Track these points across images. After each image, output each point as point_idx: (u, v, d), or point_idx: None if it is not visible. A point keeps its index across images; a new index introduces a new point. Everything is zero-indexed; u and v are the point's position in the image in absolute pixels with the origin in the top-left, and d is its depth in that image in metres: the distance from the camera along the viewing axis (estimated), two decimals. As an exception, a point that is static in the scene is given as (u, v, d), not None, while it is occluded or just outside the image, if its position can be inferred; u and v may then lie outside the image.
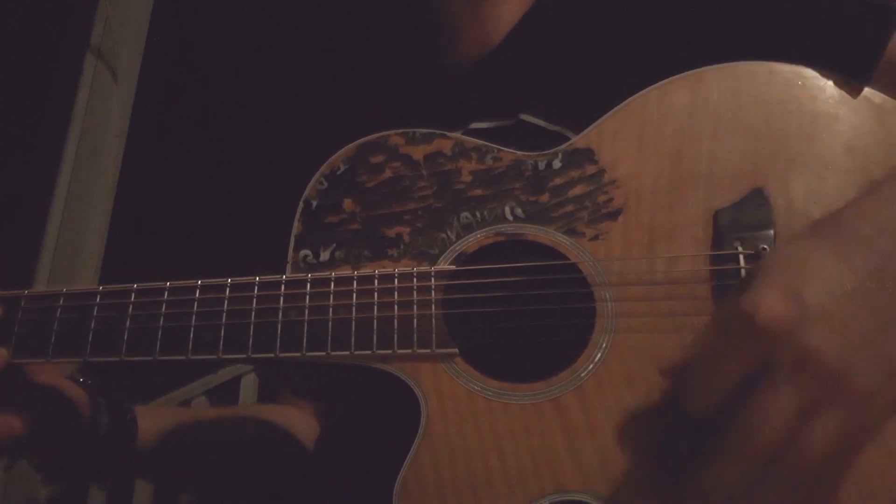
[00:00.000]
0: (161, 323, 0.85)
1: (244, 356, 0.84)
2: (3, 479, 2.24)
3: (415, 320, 0.84)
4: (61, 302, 0.87)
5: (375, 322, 0.84)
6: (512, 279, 0.86)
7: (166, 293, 0.87)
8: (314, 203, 0.92)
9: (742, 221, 0.84)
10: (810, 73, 0.90)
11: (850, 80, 0.89)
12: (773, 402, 0.65)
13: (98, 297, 0.87)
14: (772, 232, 0.83)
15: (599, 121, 0.92)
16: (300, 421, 1.16)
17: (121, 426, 1.00)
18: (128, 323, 0.86)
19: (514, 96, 1.05)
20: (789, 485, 0.66)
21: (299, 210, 0.91)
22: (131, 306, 0.86)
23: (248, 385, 2.32)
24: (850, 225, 0.70)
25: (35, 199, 2.54)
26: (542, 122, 1.01)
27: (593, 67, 1.04)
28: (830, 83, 0.89)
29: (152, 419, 1.06)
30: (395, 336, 0.84)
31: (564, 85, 1.05)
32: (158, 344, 0.85)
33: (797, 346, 0.64)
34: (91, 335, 0.85)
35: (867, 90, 0.89)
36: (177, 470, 1.11)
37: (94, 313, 0.86)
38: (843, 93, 0.89)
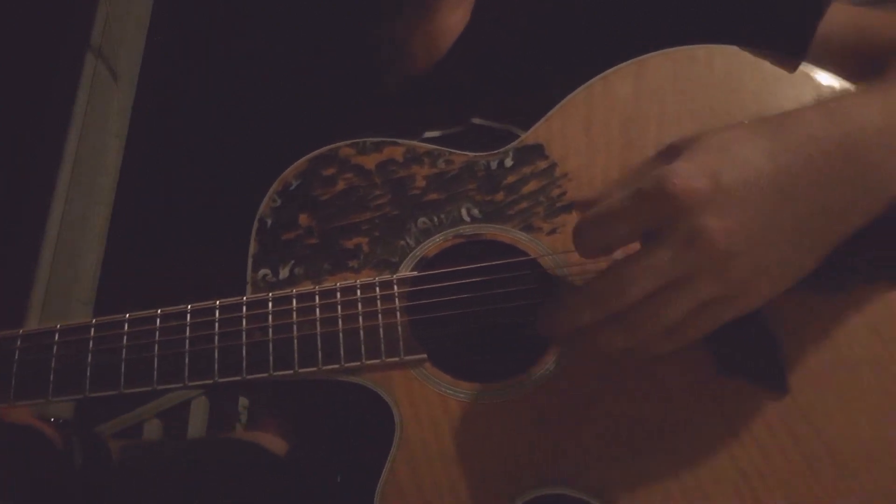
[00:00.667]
0: (123, 356, 0.84)
1: (211, 381, 0.83)
2: None
3: (381, 330, 0.84)
4: (19, 344, 0.85)
5: (341, 335, 0.84)
6: (474, 280, 0.86)
7: (126, 325, 0.85)
8: (269, 221, 0.91)
9: None
10: (748, 53, 0.92)
11: (787, 56, 0.91)
12: (651, 261, 0.68)
13: (56, 335, 0.85)
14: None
15: (547, 115, 0.93)
16: (278, 443, 1.15)
17: (95, 459, 0.98)
18: (89, 359, 0.84)
19: (465, 102, 1.06)
20: (631, 338, 0.70)
21: (254, 229, 0.90)
22: (91, 341, 0.85)
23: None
24: (787, 127, 0.72)
25: (35, 199, 2.50)
26: (492, 123, 1.02)
27: (537, 65, 1.05)
28: (768, 61, 0.91)
29: (120, 450, 1.04)
30: (363, 347, 0.83)
31: (511, 84, 1.06)
32: (122, 377, 0.83)
33: (696, 221, 0.67)
34: (52, 374, 0.83)
35: (804, 65, 0.91)
36: (146, 498, 1.09)
37: (55, 352, 0.84)
38: (781, 69, 0.91)
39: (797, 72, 0.90)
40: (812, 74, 0.90)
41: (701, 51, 0.93)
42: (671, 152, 0.74)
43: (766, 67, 0.90)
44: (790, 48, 0.92)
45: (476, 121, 1.03)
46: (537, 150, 0.91)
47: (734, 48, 0.92)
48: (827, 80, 0.90)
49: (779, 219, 0.69)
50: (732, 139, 0.72)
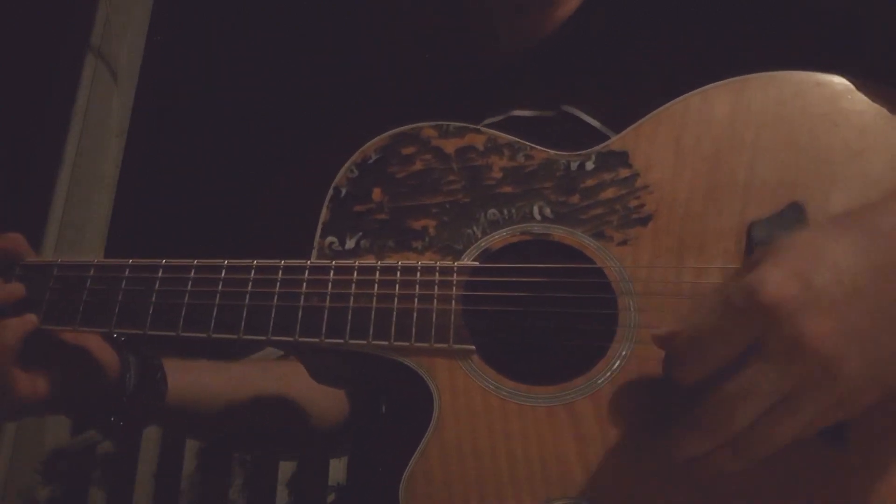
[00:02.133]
0: (186, 300, 0.87)
1: (264, 338, 0.85)
2: (3, 478, 2.31)
3: (434, 314, 0.84)
4: (91, 272, 0.89)
5: (395, 313, 0.84)
6: (535, 279, 0.85)
7: (192, 271, 0.88)
8: (343, 191, 0.92)
9: (777, 235, 0.81)
10: (862, 87, 0.86)
11: None
12: (757, 381, 0.64)
13: (127, 270, 0.89)
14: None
15: (637, 123, 0.90)
16: (321, 398, 1.17)
17: (149, 384, 1.02)
18: (153, 297, 0.87)
19: (558, 87, 1.04)
20: (741, 462, 0.67)
21: (328, 197, 0.91)
22: (158, 281, 0.88)
23: None
24: (875, 220, 0.68)
25: (35, 198, 2.59)
26: (585, 117, 1.00)
27: (641, 67, 1.02)
28: (880, 98, 0.86)
29: (181, 374, 1.07)
30: (414, 329, 0.84)
31: (609, 81, 1.03)
32: (181, 320, 0.86)
33: (795, 329, 0.63)
34: (118, 307, 0.87)
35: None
36: (197, 422, 1.13)
37: (123, 286, 0.88)
38: (889, 109, 0.85)
39: None
40: (928, 120, 0.85)
41: (809, 78, 0.88)
42: (754, 262, 0.69)
43: (877, 106, 0.85)
44: (890, 75, 0.86)
45: (566, 108, 1.01)
46: (621, 158, 0.89)
47: (843, 80, 0.87)
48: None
49: (878, 315, 0.65)
50: (820, 238, 0.69)
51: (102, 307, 0.88)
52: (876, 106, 0.85)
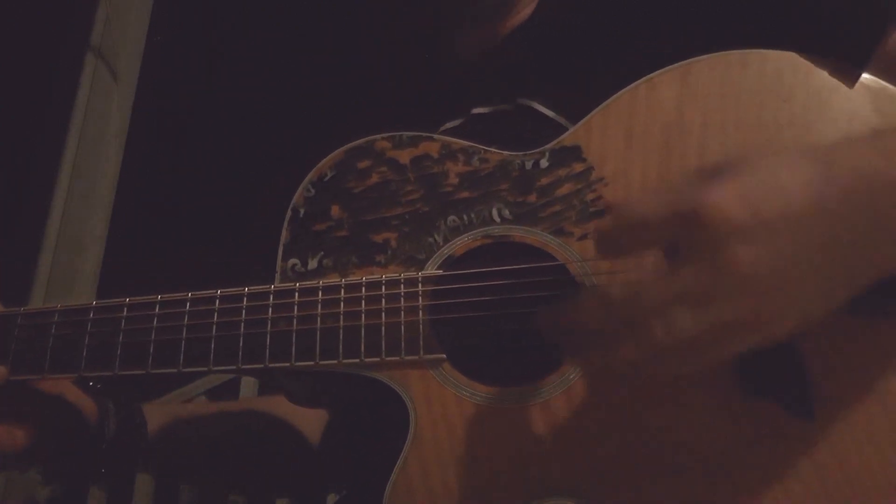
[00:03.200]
0: (153, 336, 0.86)
1: (234, 367, 0.85)
2: (3, 478, 2.29)
3: (402, 327, 0.84)
4: (56, 318, 0.89)
5: (363, 330, 0.84)
6: (499, 282, 0.85)
7: (157, 307, 0.87)
8: (302, 211, 0.92)
9: None
10: (803, 61, 0.87)
11: (846, 66, 0.86)
12: (670, 276, 0.65)
13: (91, 312, 0.88)
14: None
15: (587, 117, 0.91)
16: (304, 414, 1.17)
17: (130, 429, 1.02)
18: (121, 338, 0.87)
19: (513, 81, 1.05)
20: (642, 351, 0.66)
21: (287, 218, 0.91)
22: (124, 321, 0.87)
23: (249, 385, 2.35)
24: (836, 160, 0.68)
25: (35, 199, 2.57)
26: (541, 108, 1.01)
27: (593, 56, 1.03)
28: (825, 70, 0.86)
29: (161, 417, 1.07)
30: (383, 343, 0.84)
31: (564, 73, 1.04)
32: (150, 358, 0.86)
33: (725, 247, 0.64)
34: (85, 350, 0.87)
35: (865, 78, 0.86)
36: (181, 465, 1.12)
37: (88, 329, 0.88)
38: (838, 80, 0.86)
39: (857, 85, 0.85)
40: (872, 89, 0.85)
41: (753, 55, 0.88)
42: (712, 173, 0.70)
43: (822, 77, 0.86)
44: (851, 56, 0.87)
45: (523, 101, 1.02)
46: (574, 152, 0.89)
47: (789, 55, 0.87)
48: (889, 96, 0.84)
49: (811, 254, 0.66)
50: (776, 166, 0.68)
51: (70, 352, 0.87)
52: (821, 78, 0.86)
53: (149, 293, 0.88)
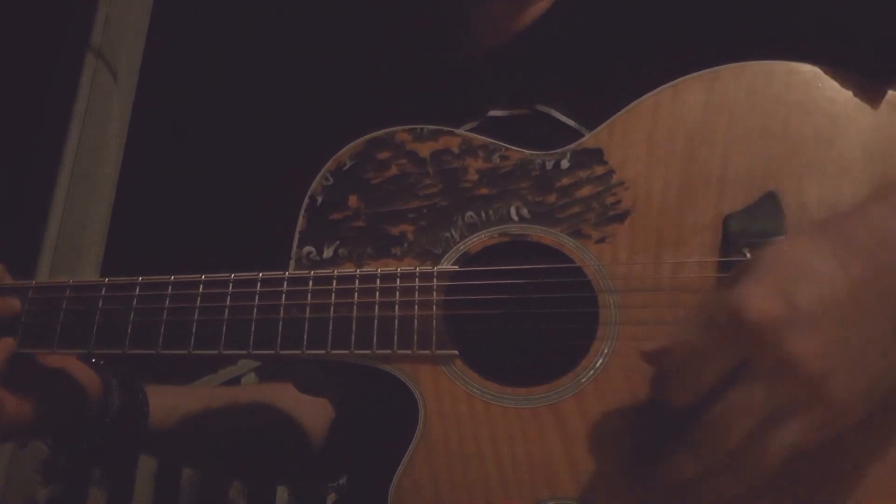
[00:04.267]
0: (164, 317, 0.86)
1: (245, 352, 0.85)
2: (3, 478, 2.29)
3: (415, 321, 0.84)
4: (67, 293, 0.88)
5: (376, 321, 0.84)
6: (514, 281, 0.85)
7: (170, 287, 0.87)
8: (319, 199, 0.91)
9: (752, 227, 0.82)
10: (831, 75, 0.87)
11: (872, 82, 0.86)
12: (746, 401, 0.65)
13: (103, 289, 0.88)
14: (783, 238, 0.80)
15: (610, 119, 0.90)
16: (308, 403, 1.17)
17: (132, 406, 1.02)
18: (132, 316, 0.86)
19: (532, 86, 1.04)
20: (741, 482, 0.67)
21: (304, 206, 0.91)
22: (136, 300, 0.87)
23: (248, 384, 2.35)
24: (853, 231, 0.68)
25: (35, 199, 2.56)
26: (559, 116, 1.00)
27: (613, 64, 1.02)
28: (850, 86, 0.86)
29: (163, 398, 1.07)
30: (396, 336, 0.83)
31: (583, 80, 1.03)
32: (161, 338, 0.85)
33: (781, 348, 0.63)
34: (95, 327, 0.86)
35: (890, 95, 0.86)
36: (183, 447, 1.12)
37: (100, 306, 0.87)
38: (864, 97, 0.86)
39: (884, 103, 0.85)
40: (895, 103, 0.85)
41: (780, 67, 0.88)
42: (734, 278, 0.69)
43: (848, 93, 0.86)
44: (877, 74, 0.86)
45: (540, 108, 1.01)
46: (596, 155, 0.89)
47: (815, 68, 0.87)
48: (912, 113, 0.84)
49: (862, 328, 0.65)
50: (799, 252, 0.68)
51: (80, 328, 0.87)
52: (846, 93, 0.86)
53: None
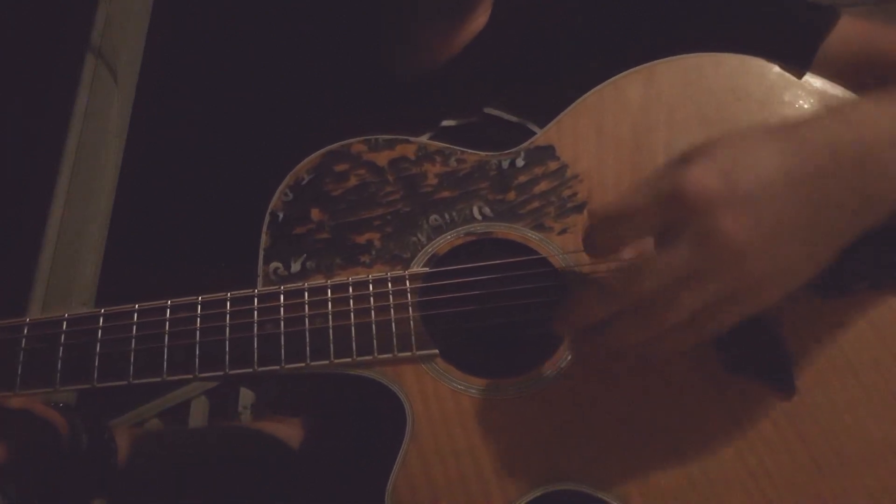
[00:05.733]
0: (133, 346, 0.83)
1: (221, 373, 0.83)
2: None
3: (393, 324, 0.84)
4: (25, 332, 0.84)
5: (353, 329, 0.84)
6: (486, 277, 0.87)
7: (136, 315, 0.84)
8: (280, 215, 0.91)
9: None
10: (755, 62, 0.93)
11: (792, 67, 0.93)
12: (664, 258, 0.69)
13: (64, 324, 0.84)
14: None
15: (558, 118, 0.94)
16: (287, 432, 1.14)
17: (100, 444, 0.97)
18: (98, 348, 0.83)
19: (479, 92, 1.07)
20: (645, 330, 0.71)
21: (266, 223, 0.90)
22: (100, 331, 0.84)
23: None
24: (802, 133, 0.73)
25: (35, 199, 2.44)
26: (505, 115, 1.03)
27: (551, 67, 1.07)
28: (774, 69, 0.93)
29: (127, 437, 1.02)
30: (375, 341, 0.83)
31: (526, 79, 1.07)
32: (132, 367, 0.82)
33: (710, 220, 0.68)
34: (60, 364, 0.82)
35: (808, 75, 0.93)
36: (154, 488, 1.07)
37: (62, 341, 0.83)
38: (787, 78, 0.93)
39: (803, 81, 0.92)
40: (817, 85, 0.92)
41: (708, 59, 0.94)
42: (684, 158, 0.74)
43: (773, 76, 0.92)
44: (795, 60, 0.94)
45: (488, 111, 1.04)
46: (548, 152, 0.92)
47: (741, 57, 0.94)
48: (831, 90, 0.92)
49: (791, 219, 0.70)
50: (746, 142, 0.74)
51: (42, 366, 0.83)
52: (772, 77, 0.93)
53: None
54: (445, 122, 1.05)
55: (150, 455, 1.02)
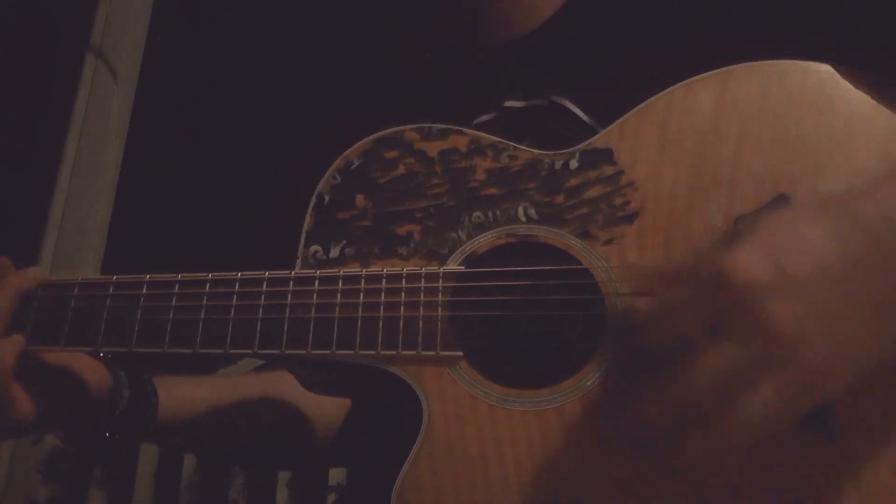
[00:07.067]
0: (171, 315, 0.86)
1: (251, 351, 0.85)
2: (3, 478, 2.31)
3: (420, 322, 0.83)
4: (76, 291, 0.89)
5: (381, 322, 0.84)
6: (521, 283, 0.84)
7: (177, 286, 0.87)
8: (326, 198, 0.91)
9: None
10: (845, 74, 0.85)
11: (888, 82, 0.84)
12: (717, 356, 0.65)
13: (111, 287, 0.88)
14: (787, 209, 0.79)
15: (621, 119, 0.89)
16: (314, 397, 1.17)
17: (142, 397, 1.02)
18: (139, 314, 0.87)
19: (549, 77, 1.03)
20: (712, 440, 0.66)
21: (311, 205, 0.91)
22: (143, 298, 0.87)
23: None
24: (856, 206, 0.67)
25: (35, 198, 2.58)
26: (573, 108, 0.99)
27: (629, 58, 1.01)
28: (865, 85, 0.84)
29: (170, 388, 1.07)
30: (401, 337, 0.83)
31: (599, 73, 1.02)
32: (167, 336, 0.86)
33: (761, 311, 0.63)
34: (103, 325, 0.87)
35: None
36: (189, 436, 1.12)
37: (107, 303, 0.88)
38: (879, 95, 0.84)
39: None
40: (913, 107, 0.83)
41: (794, 67, 0.87)
42: (729, 240, 0.69)
43: (863, 94, 0.84)
44: (892, 72, 0.85)
45: (556, 99, 1.01)
46: (605, 155, 0.88)
47: (830, 69, 0.85)
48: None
49: (850, 303, 0.65)
50: (798, 221, 0.67)
51: (87, 326, 0.88)
52: (860, 93, 0.84)
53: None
54: (510, 103, 1.01)
55: (193, 407, 1.06)
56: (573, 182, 0.88)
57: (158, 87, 2.75)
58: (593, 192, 0.87)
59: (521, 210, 0.88)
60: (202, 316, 0.86)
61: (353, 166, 0.92)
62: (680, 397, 0.66)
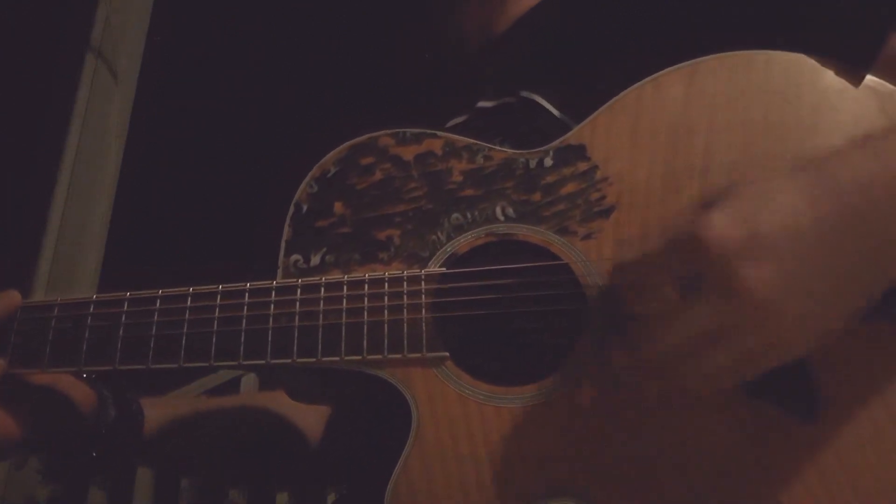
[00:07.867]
0: (153, 331, 0.86)
1: (235, 363, 0.85)
2: (3, 479, 2.28)
3: (405, 325, 0.84)
4: (56, 312, 0.88)
5: (366, 327, 0.84)
6: (502, 281, 0.85)
7: (158, 301, 0.87)
8: (304, 207, 0.91)
9: None
10: (810, 62, 0.87)
11: (852, 68, 0.86)
12: (687, 313, 0.67)
13: (91, 306, 0.88)
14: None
15: (593, 115, 0.90)
16: (304, 410, 1.17)
17: (127, 417, 1.01)
18: (121, 332, 0.86)
19: (518, 74, 1.04)
20: (673, 387, 0.70)
21: (289, 214, 0.91)
22: (124, 315, 0.87)
23: (249, 384, 2.34)
24: (830, 172, 0.68)
25: (35, 199, 2.55)
26: (543, 102, 1.00)
27: (599, 53, 1.03)
28: (830, 72, 0.86)
29: (157, 409, 1.07)
30: (386, 341, 0.83)
31: (568, 68, 1.03)
32: (151, 352, 0.85)
33: (733, 272, 0.64)
34: (85, 345, 0.86)
35: (869, 78, 0.86)
36: (180, 458, 1.12)
37: (88, 323, 0.87)
38: (844, 81, 0.86)
39: (861, 86, 0.85)
40: (878, 91, 0.85)
41: (760, 56, 0.88)
42: (707, 203, 0.70)
43: (828, 79, 0.86)
44: (856, 59, 0.86)
45: (527, 94, 1.02)
46: (579, 151, 0.89)
47: (796, 56, 0.87)
48: (891, 93, 0.84)
49: (821, 267, 0.66)
50: (771, 186, 0.69)
51: (70, 346, 0.87)
52: (828, 79, 0.86)
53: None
54: (482, 103, 1.02)
55: (178, 425, 1.06)
56: (549, 179, 0.89)
57: (158, 87, 2.73)
58: (569, 188, 0.88)
59: (498, 210, 0.89)
60: (185, 330, 0.86)
61: (330, 174, 0.92)
62: (648, 351, 0.69)
